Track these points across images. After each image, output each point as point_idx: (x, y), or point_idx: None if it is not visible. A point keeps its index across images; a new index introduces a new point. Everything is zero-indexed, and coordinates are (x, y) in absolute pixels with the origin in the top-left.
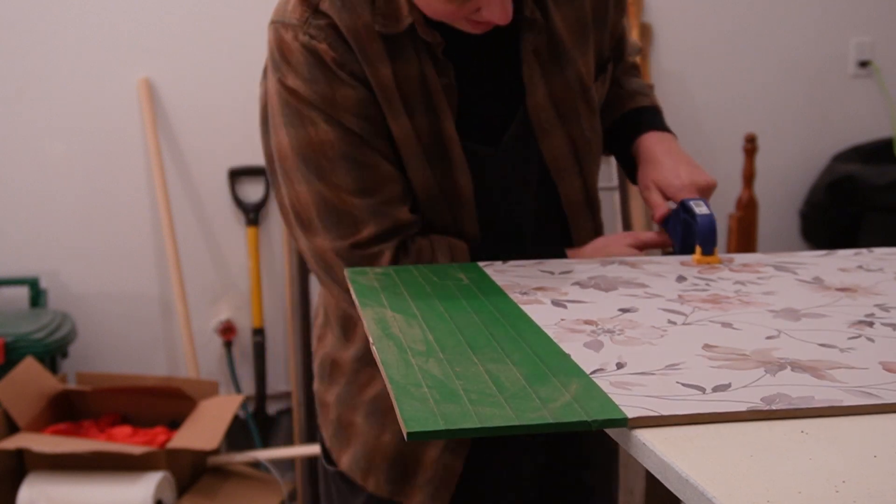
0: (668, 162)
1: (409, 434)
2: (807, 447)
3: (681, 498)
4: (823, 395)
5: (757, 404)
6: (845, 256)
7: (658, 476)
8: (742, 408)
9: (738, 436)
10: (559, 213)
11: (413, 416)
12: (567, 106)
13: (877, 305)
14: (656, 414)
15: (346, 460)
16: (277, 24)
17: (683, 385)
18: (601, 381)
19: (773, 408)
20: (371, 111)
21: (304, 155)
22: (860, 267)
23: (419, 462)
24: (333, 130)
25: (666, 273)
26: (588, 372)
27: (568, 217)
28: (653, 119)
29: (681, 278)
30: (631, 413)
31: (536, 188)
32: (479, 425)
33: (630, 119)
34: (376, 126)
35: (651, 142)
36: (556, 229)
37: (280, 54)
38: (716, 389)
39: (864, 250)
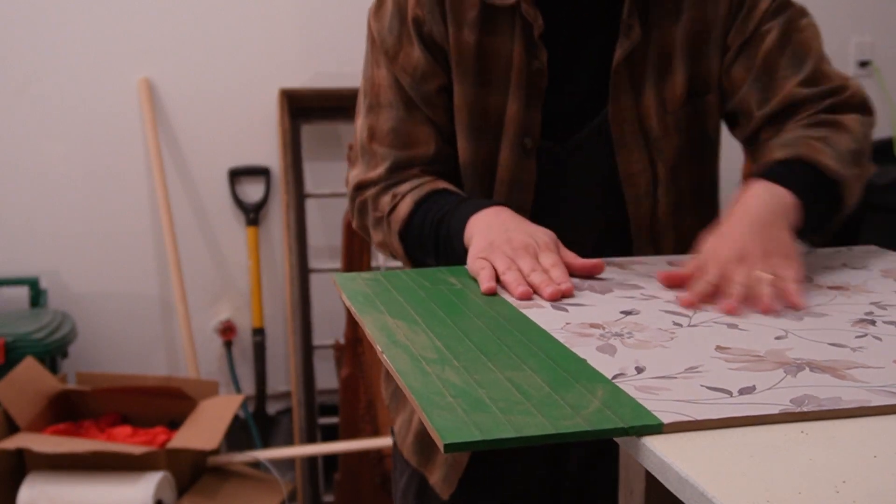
0: (725, 228)
1: (445, 446)
2: (807, 447)
3: (681, 498)
4: (850, 395)
5: (788, 406)
6: (826, 255)
7: (658, 476)
8: (774, 410)
9: (737, 436)
10: (623, 231)
11: (446, 426)
12: (650, 122)
13: (873, 303)
14: (691, 419)
15: (398, 422)
16: None
17: (708, 388)
18: (625, 386)
19: (804, 409)
20: (430, 77)
21: (366, 90)
22: (845, 265)
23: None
24: (389, 79)
25: (655, 274)
26: (609, 377)
27: (632, 237)
28: (772, 171)
29: None
30: (665, 418)
31: (603, 200)
32: (515, 434)
33: (759, 173)
34: (431, 91)
35: (742, 196)
36: (617, 247)
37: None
38: (742, 392)
39: (842, 248)
